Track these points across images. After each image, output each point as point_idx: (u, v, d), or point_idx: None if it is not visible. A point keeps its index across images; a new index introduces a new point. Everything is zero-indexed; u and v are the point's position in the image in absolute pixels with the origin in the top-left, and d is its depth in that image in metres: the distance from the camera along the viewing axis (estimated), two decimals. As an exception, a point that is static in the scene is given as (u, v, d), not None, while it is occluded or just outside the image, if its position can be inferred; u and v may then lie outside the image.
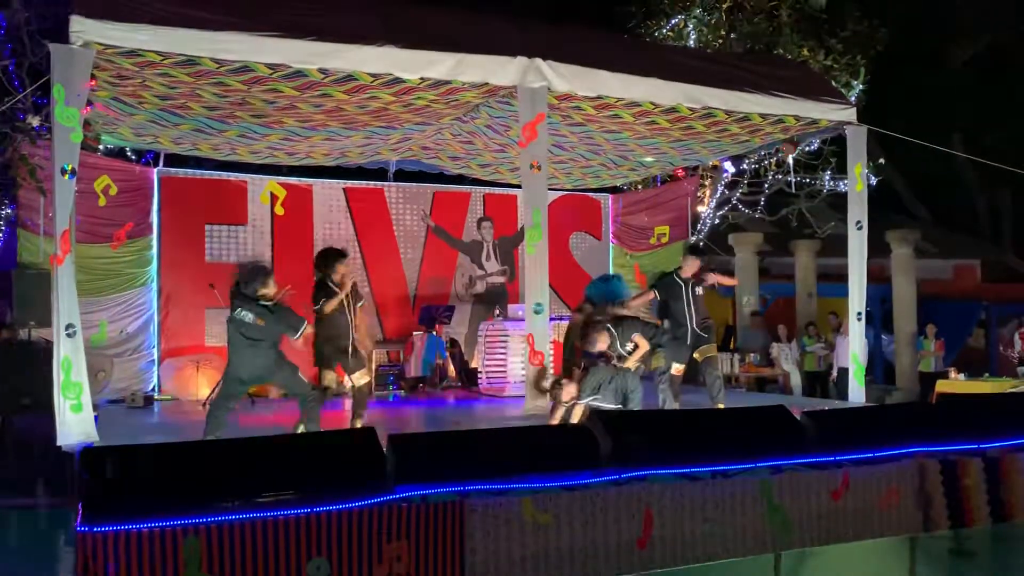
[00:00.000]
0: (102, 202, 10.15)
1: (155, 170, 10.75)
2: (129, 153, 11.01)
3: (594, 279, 8.05)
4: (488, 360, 10.53)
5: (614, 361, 7.10)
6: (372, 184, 12.02)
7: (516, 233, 12.21)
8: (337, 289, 7.54)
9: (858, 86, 13.86)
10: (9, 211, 9.94)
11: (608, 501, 4.87)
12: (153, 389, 10.37)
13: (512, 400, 9.43)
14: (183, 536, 3.97)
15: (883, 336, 16.78)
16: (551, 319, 8.31)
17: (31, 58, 9.66)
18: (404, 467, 4.54)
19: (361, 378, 7.79)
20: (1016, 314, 15.80)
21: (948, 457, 5.91)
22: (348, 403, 9.83)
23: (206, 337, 10.65)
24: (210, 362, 10.07)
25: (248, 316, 6.68)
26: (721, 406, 7.97)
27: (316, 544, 4.20)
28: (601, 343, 7.04)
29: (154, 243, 10.61)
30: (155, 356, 10.56)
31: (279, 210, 11.27)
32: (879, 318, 16.20)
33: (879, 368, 16.15)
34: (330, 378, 7.87)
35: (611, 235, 13.31)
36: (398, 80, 7.60)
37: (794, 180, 13.59)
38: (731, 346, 14.08)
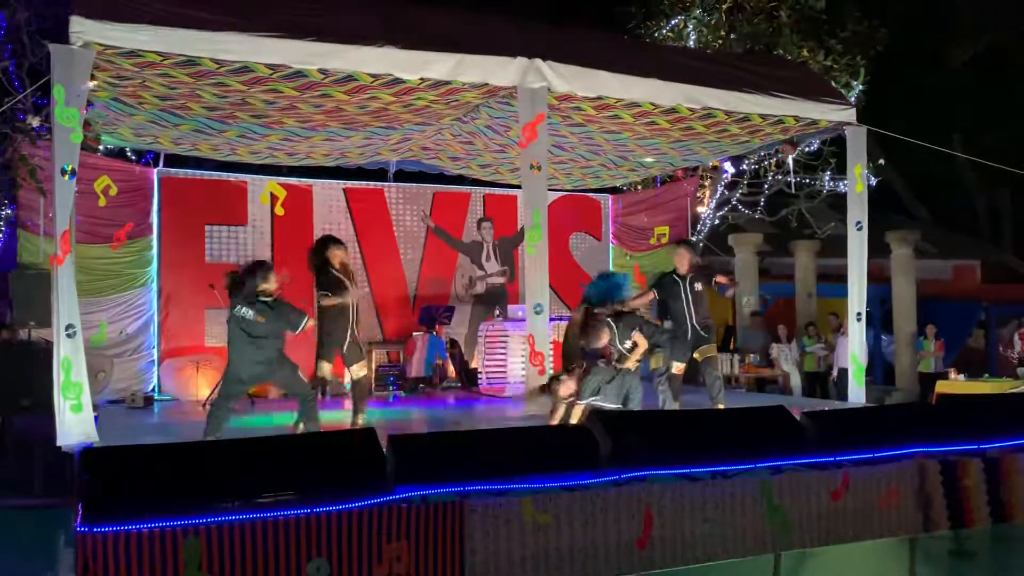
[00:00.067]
0: (102, 202, 10.15)
1: (155, 170, 10.75)
2: (129, 153, 11.01)
3: (594, 278, 8.05)
4: (488, 360, 10.54)
5: (614, 361, 7.10)
6: (372, 184, 12.02)
7: (516, 233, 12.21)
8: (339, 275, 7.57)
9: (858, 86, 13.85)
10: (9, 211, 9.94)
11: (608, 501, 4.87)
12: (153, 389, 10.36)
13: (512, 400, 9.43)
14: (183, 536, 3.97)
15: (883, 336, 16.80)
16: (551, 319, 8.31)
17: (31, 58, 9.67)
18: (404, 467, 4.54)
19: (359, 370, 7.80)
20: (1016, 314, 15.81)
21: (948, 457, 5.91)
22: (349, 403, 9.86)
23: (206, 337, 10.65)
24: (210, 362, 10.07)
25: (248, 313, 6.68)
26: (721, 406, 7.97)
27: (316, 544, 4.21)
28: (602, 338, 7.05)
29: (154, 243, 10.61)
30: (155, 356, 10.56)
31: (279, 210, 11.27)
32: (879, 318, 16.21)
33: (879, 369, 16.16)
34: (326, 369, 7.87)
35: (611, 235, 13.31)
36: (398, 80, 7.60)
37: (794, 181, 13.59)
38: (731, 346, 14.08)
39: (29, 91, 8.93)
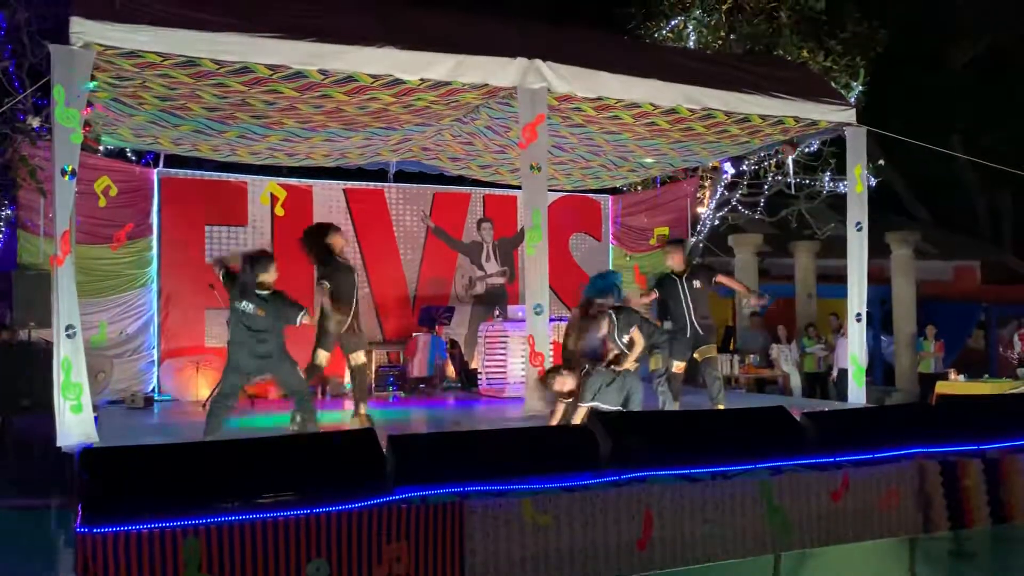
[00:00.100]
0: (102, 203, 10.15)
1: (155, 171, 10.75)
2: (129, 154, 11.00)
3: (591, 278, 8.07)
4: (488, 361, 10.54)
5: (611, 356, 7.11)
6: (372, 185, 12.02)
7: (516, 234, 12.22)
8: (341, 260, 7.59)
9: (858, 87, 13.84)
10: (9, 212, 9.93)
11: (608, 502, 4.88)
12: (153, 390, 10.36)
13: (512, 401, 9.43)
14: (183, 537, 3.97)
15: (883, 337, 16.80)
16: (551, 320, 8.31)
17: (31, 59, 9.66)
18: (404, 468, 4.54)
19: (359, 358, 7.80)
20: (1016, 315, 15.81)
21: (948, 458, 5.91)
22: (349, 403, 9.86)
23: (206, 338, 10.66)
24: (210, 363, 10.07)
25: (248, 307, 6.68)
26: (721, 407, 7.97)
27: (316, 545, 4.21)
28: (602, 327, 7.06)
29: (154, 244, 10.61)
30: (155, 357, 10.56)
31: (279, 211, 11.28)
32: (879, 319, 16.20)
33: (879, 369, 16.15)
34: (323, 358, 7.86)
35: (611, 236, 13.31)
36: (398, 81, 7.60)
37: (794, 181, 13.59)
38: (731, 347, 14.07)
39: (29, 92, 8.92)
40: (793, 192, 14.03)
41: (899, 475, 5.73)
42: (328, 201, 11.56)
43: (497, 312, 11.56)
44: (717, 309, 10.73)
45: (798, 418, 5.84)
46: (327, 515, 4.24)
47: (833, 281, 13.10)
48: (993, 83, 21.45)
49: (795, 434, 5.68)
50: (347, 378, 10.40)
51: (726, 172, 13.93)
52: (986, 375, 12.93)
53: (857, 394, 8.91)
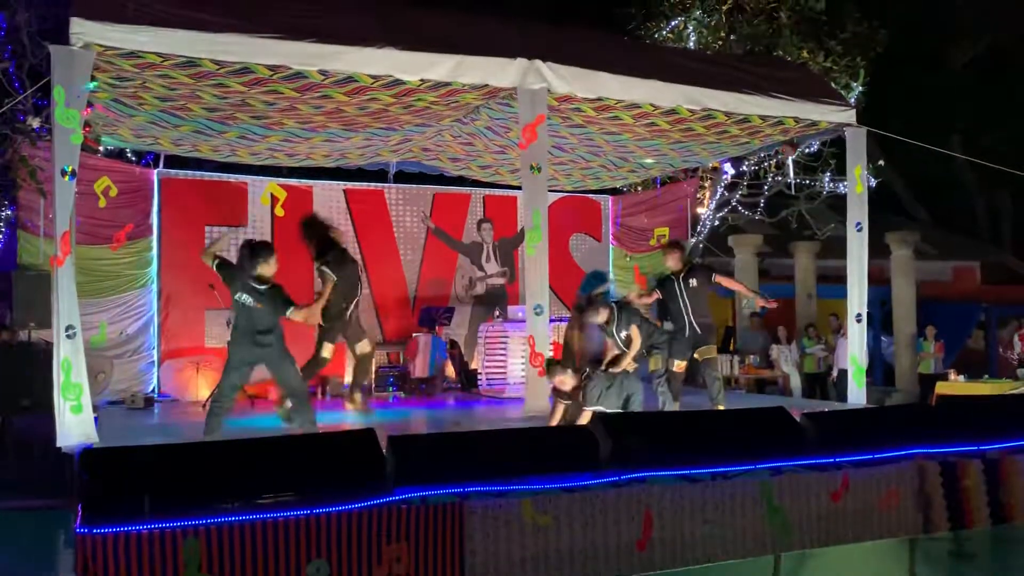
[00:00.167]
0: (102, 203, 10.15)
1: (155, 171, 10.76)
2: (129, 154, 11.00)
3: (584, 278, 8.15)
4: (488, 361, 10.54)
5: (610, 356, 7.12)
6: (372, 186, 12.03)
7: (516, 234, 12.22)
8: (344, 249, 7.66)
9: (858, 88, 13.85)
10: (9, 212, 9.93)
11: (608, 503, 4.88)
12: (153, 390, 10.36)
13: (512, 401, 9.43)
14: (183, 537, 3.97)
15: (883, 338, 16.80)
16: (551, 320, 8.31)
17: (31, 60, 9.67)
18: (404, 468, 4.54)
19: (364, 347, 7.83)
20: (1016, 316, 15.81)
21: (948, 459, 5.91)
22: (349, 404, 9.86)
23: (206, 339, 10.66)
24: (210, 363, 10.07)
25: (248, 300, 6.66)
26: (721, 407, 7.98)
27: (316, 545, 4.21)
28: (601, 315, 7.07)
29: (154, 244, 10.61)
30: (155, 357, 10.56)
31: (279, 211, 11.27)
32: (879, 320, 16.20)
33: (879, 370, 16.16)
34: (328, 350, 7.89)
35: (611, 237, 13.31)
36: (398, 82, 7.60)
37: (794, 182, 13.59)
38: (731, 348, 14.08)
39: (29, 92, 8.92)
40: (793, 193, 14.04)
41: (899, 476, 5.73)
42: (328, 201, 11.55)
43: (497, 313, 11.57)
44: (717, 310, 10.74)
45: (798, 419, 5.84)
46: (327, 515, 4.24)
47: (833, 282, 13.11)
48: (993, 83, 21.45)
49: (795, 435, 5.68)
50: (347, 377, 10.43)
51: (726, 173, 13.94)
52: (986, 376, 12.94)
53: (857, 395, 8.91)
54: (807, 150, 12.94)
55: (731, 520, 5.20)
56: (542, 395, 7.62)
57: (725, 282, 8.71)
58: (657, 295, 8.37)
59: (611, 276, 7.83)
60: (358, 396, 7.87)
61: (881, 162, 14.45)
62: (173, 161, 10.95)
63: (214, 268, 6.89)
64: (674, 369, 8.13)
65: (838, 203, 12.32)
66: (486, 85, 7.83)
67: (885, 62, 15.49)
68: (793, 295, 15.76)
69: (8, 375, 8.86)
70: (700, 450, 5.27)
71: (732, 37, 13.92)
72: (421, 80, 7.59)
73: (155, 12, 6.64)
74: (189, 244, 10.67)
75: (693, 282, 8.15)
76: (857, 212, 9.11)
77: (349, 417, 8.22)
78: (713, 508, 5.16)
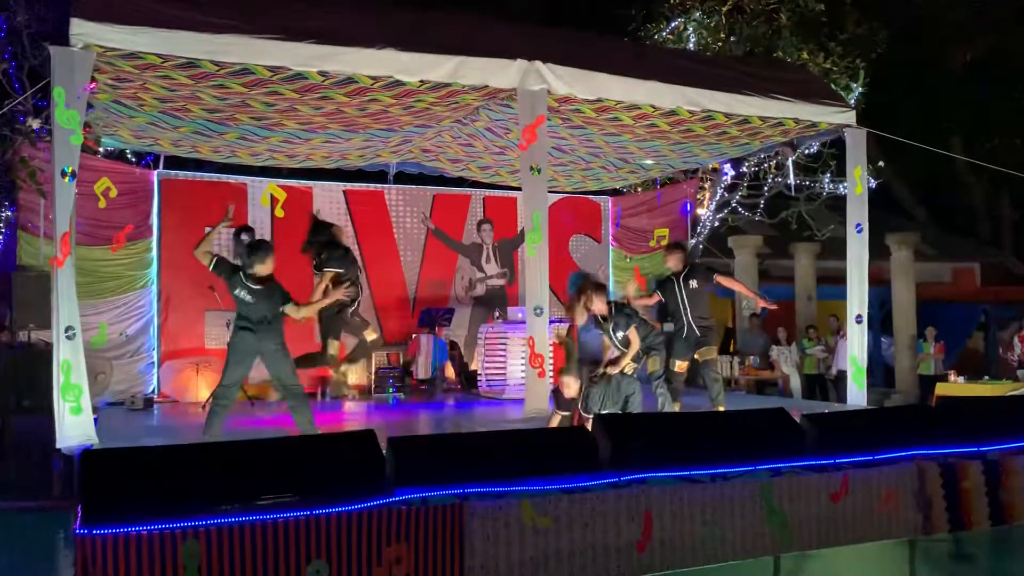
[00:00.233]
0: (102, 204, 10.15)
1: (155, 172, 10.76)
2: (129, 155, 11.01)
3: (570, 278, 8.22)
4: (488, 362, 10.53)
5: (608, 357, 7.13)
6: (372, 186, 12.03)
7: (516, 235, 12.22)
8: (348, 248, 7.73)
9: (858, 89, 13.86)
10: (9, 213, 9.94)
11: (608, 504, 4.88)
12: (153, 391, 10.36)
13: (512, 403, 9.43)
14: (182, 539, 3.97)
15: (882, 339, 16.81)
16: (551, 321, 8.31)
17: (31, 61, 9.68)
18: (404, 469, 4.54)
19: (371, 334, 7.88)
20: (1016, 317, 15.81)
21: (948, 460, 5.91)
22: (348, 404, 9.88)
23: (206, 339, 10.66)
24: (210, 364, 10.06)
25: (247, 297, 6.66)
26: (721, 408, 7.99)
27: (315, 546, 4.21)
28: (599, 306, 7.07)
29: (154, 245, 10.61)
30: (155, 358, 10.56)
31: (279, 212, 11.28)
32: (878, 321, 16.21)
33: (878, 371, 16.17)
34: (335, 347, 7.93)
35: (611, 237, 13.32)
36: (398, 83, 7.60)
37: (793, 183, 13.60)
38: (731, 349, 14.08)
39: (29, 93, 8.93)
40: (793, 194, 14.04)
41: (899, 477, 5.73)
42: (328, 202, 11.56)
43: (497, 314, 11.57)
44: (717, 310, 10.74)
45: (798, 420, 5.84)
46: (327, 517, 4.24)
47: (833, 283, 13.10)
48: (993, 84, 21.44)
49: (795, 436, 5.68)
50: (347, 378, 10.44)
51: (726, 174, 13.94)
52: (986, 377, 12.94)
53: (857, 396, 8.90)
54: (807, 151, 12.94)
55: (731, 521, 5.20)
56: (542, 396, 7.62)
57: (726, 282, 8.72)
58: (657, 297, 8.38)
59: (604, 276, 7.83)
60: (343, 368, 7.93)
61: (881, 163, 14.47)
62: (173, 162, 10.95)
63: (211, 268, 6.88)
64: (675, 370, 8.13)
65: (838, 204, 12.33)
66: (486, 86, 7.83)
67: (885, 63, 15.49)
68: (793, 296, 15.76)
69: (8, 376, 8.86)
70: (700, 451, 5.27)
71: (732, 38, 13.92)
72: (421, 81, 7.59)
73: (155, 13, 6.64)
74: (189, 245, 10.60)
75: (693, 283, 8.16)
76: (857, 213, 9.12)
77: (349, 418, 8.22)
78: (713, 509, 5.16)
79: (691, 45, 13.77)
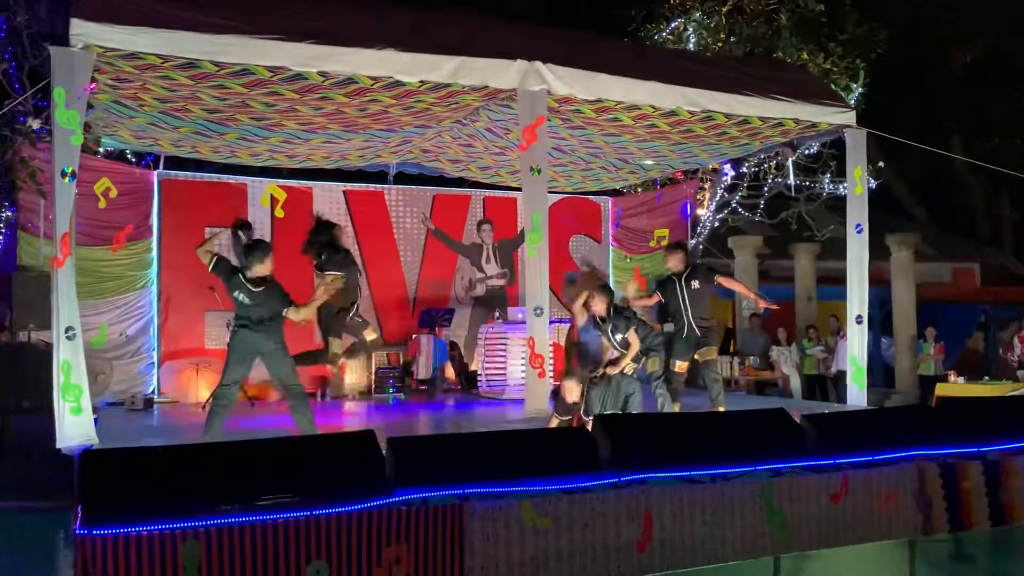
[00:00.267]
0: (102, 205, 10.15)
1: (155, 172, 10.76)
2: (129, 156, 11.01)
3: (565, 279, 8.24)
4: (488, 363, 10.53)
5: (608, 358, 7.13)
6: (372, 187, 12.03)
7: (516, 236, 12.22)
8: (348, 251, 7.74)
9: (858, 89, 13.86)
10: (9, 214, 9.94)
11: (608, 504, 4.88)
12: (153, 392, 10.36)
13: (512, 403, 9.43)
14: (182, 539, 3.97)
15: (882, 339, 16.81)
16: (551, 322, 8.31)
17: (31, 61, 9.69)
18: (403, 470, 4.54)
19: (371, 334, 7.90)
20: (1016, 317, 15.82)
21: (948, 460, 5.91)
22: (348, 404, 9.88)
23: (206, 340, 10.66)
24: (210, 365, 10.07)
25: (245, 299, 6.65)
26: (721, 409, 7.98)
27: (315, 547, 4.21)
28: (599, 307, 7.07)
29: (154, 246, 10.61)
30: (155, 359, 10.56)
31: (279, 213, 11.28)
32: (878, 321, 16.21)
33: (878, 371, 16.17)
34: (338, 345, 7.95)
35: (611, 238, 13.32)
36: (398, 83, 7.60)
37: (793, 183, 13.60)
38: (731, 349, 14.08)
39: (29, 94, 8.94)
40: (793, 194, 14.04)
41: (899, 477, 5.73)
42: (328, 203, 11.55)
43: (497, 314, 11.57)
44: (717, 311, 10.73)
45: (798, 420, 5.84)
46: (327, 517, 4.24)
47: (833, 283, 13.11)
48: (993, 84, 21.44)
49: (795, 436, 5.68)
50: (347, 377, 10.45)
51: (726, 174, 13.94)
52: (986, 377, 12.94)
53: (857, 396, 8.90)
54: (807, 151, 12.94)
55: (731, 522, 5.21)
56: (542, 396, 7.63)
57: (727, 283, 8.72)
58: (657, 297, 8.38)
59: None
60: (338, 348, 7.99)
61: (881, 163, 14.46)
62: (173, 162, 10.95)
63: (210, 268, 6.88)
64: (675, 370, 8.13)
65: (838, 204, 12.33)
66: (486, 87, 7.82)
67: (885, 63, 15.49)
68: (793, 297, 15.76)
69: (8, 376, 8.86)
70: (700, 452, 5.27)
71: (732, 39, 13.92)
72: (421, 82, 7.59)
73: (155, 13, 6.64)
74: (189, 245, 10.61)
75: (695, 284, 8.16)
76: (857, 213, 9.11)
77: (349, 419, 8.22)
78: (713, 510, 5.16)
79: (691, 45, 13.77)
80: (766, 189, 14.30)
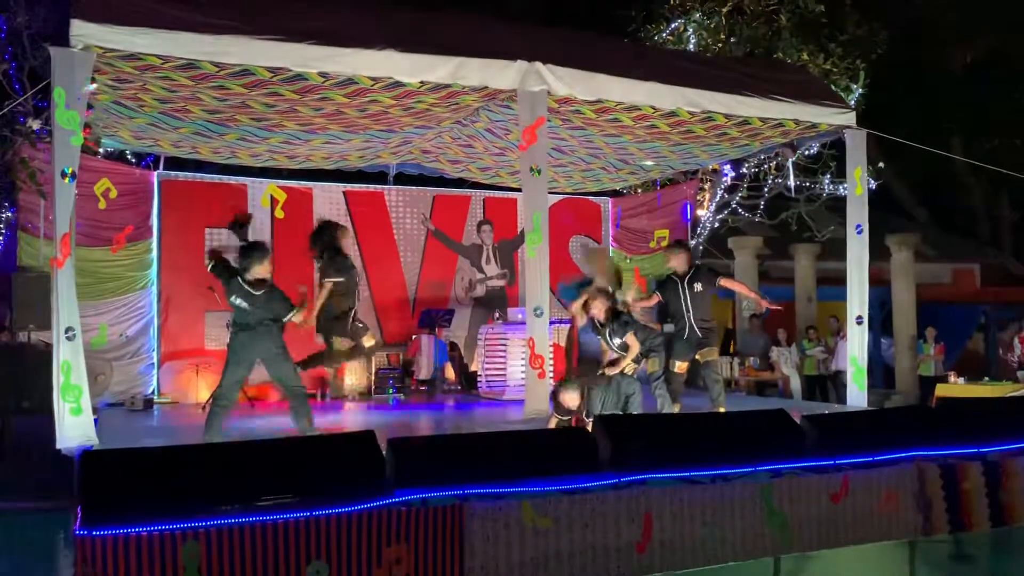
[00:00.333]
0: (102, 205, 10.15)
1: (155, 173, 10.76)
2: (129, 156, 11.01)
3: (560, 289, 8.25)
4: (488, 363, 10.53)
5: (607, 359, 7.12)
6: (372, 187, 12.04)
7: (516, 236, 12.22)
8: (348, 259, 7.74)
9: (858, 90, 13.86)
10: (9, 214, 9.95)
11: (608, 505, 4.87)
12: (153, 392, 10.36)
13: (512, 403, 9.43)
14: (182, 540, 3.97)
15: (882, 340, 16.81)
16: (551, 322, 8.31)
17: (31, 61, 9.69)
18: (403, 470, 4.54)
19: (369, 340, 7.92)
20: (1016, 318, 15.82)
21: (948, 461, 5.91)
22: (348, 404, 9.89)
23: (206, 340, 10.66)
24: (210, 365, 10.07)
25: (243, 304, 6.64)
26: (721, 410, 7.98)
27: (315, 547, 4.21)
28: (598, 308, 7.06)
29: (154, 246, 10.61)
30: (155, 359, 10.56)
31: (279, 213, 11.28)
32: (879, 322, 16.21)
33: (878, 372, 16.17)
34: (340, 343, 7.97)
35: (611, 238, 13.32)
36: (398, 84, 7.60)
37: (793, 184, 13.60)
38: (731, 350, 14.08)
39: (29, 94, 8.94)
40: (793, 195, 14.04)
41: (899, 478, 5.73)
42: (328, 203, 11.56)
43: (497, 314, 11.56)
44: (717, 312, 10.73)
45: (798, 421, 5.84)
46: (327, 517, 4.24)
47: (833, 284, 13.11)
48: (993, 85, 21.45)
49: (795, 437, 5.68)
50: (347, 378, 10.45)
51: (726, 175, 13.94)
52: (986, 378, 12.94)
53: (858, 397, 8.90)
54: (807, 152, 12.93)
55: (731, 522, 5.20)
56: (542, 397, 7.61)
57: (730, 285, 8.73)
58: (657, 298, 8.37)
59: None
60: (338, 344, 8.05)
61: (881, 164, 14.46)
62: (173, 163, 10.95)
63: (210, 268, 6.87)
64: (675, 370, 8.13)
65: (838, 205, 12.33)
66: (486, 87, 7.82)
67: (885, 64, 15.49)
68: (793, 297, 15.76)
69: (8, 377, 8.86)
70: (700, 452, 5.27)
71: (732, 39, 13.92)
72: (421, 82, 7.59)
73: (155, 14, 6.64)
74: (189, 246, 10.68)
75: (698, 286, 8.16)
76: (857, 214, 9.11)
77: (349, 419, 8.22)
78: (713, 510, 5.16)
79: (691, 46, 13.77)
80: (766, 190, 14.30)
